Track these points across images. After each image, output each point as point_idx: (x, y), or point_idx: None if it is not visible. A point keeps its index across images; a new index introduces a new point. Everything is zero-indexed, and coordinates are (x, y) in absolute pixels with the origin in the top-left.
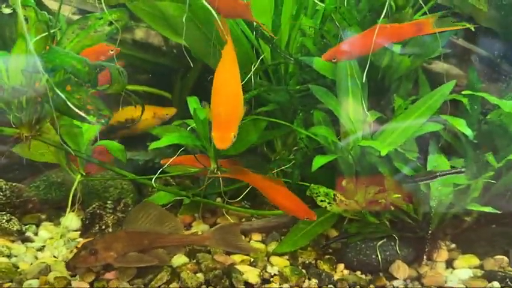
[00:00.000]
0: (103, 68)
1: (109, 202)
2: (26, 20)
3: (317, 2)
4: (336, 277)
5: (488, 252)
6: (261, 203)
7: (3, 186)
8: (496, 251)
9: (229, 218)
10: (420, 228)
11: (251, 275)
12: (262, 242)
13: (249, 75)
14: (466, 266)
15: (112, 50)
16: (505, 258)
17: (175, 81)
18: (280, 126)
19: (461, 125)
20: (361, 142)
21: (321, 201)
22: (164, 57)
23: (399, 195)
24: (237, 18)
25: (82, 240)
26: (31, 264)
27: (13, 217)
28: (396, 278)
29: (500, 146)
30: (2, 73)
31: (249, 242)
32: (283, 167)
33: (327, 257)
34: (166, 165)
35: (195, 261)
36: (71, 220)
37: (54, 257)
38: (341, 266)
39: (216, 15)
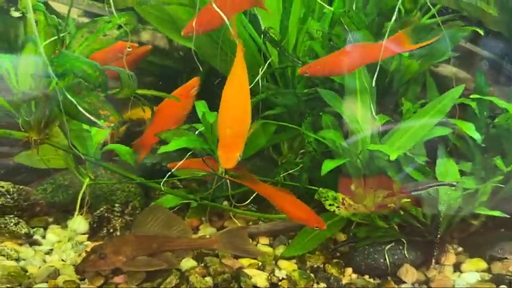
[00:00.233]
0: None
1: (116, 205)
2: (36, 23)
3: (325, 6)
4: (344, 281)
5: (495, 256)
6: (267, 207)
7: (11, 189)
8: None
9: (236, 221)
10: (428, 232)
11: (259, 279)
12: (270, 245)
13: (257, 79)
14: (473, 270)
15: (129, 47)
16: None
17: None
18: (288, 130)
19: (469, 129)
20: (370, 146)
21: (330, 205)
22: (171, 59)
23: (409, 200)
24: (250, 7)
25: (89, 244)
26: (39, 267)
27: (21, 220)
28: (404, 282)
29: (508, 149)
30: (11, 77)
31: (256, 245)
32: (291, 171)
33: (335, 261)
34: (174, 169)
35: (203, 264)
36: (79, 223)
37: (63, 260)
38: (349, 270)
39: (226, 19)
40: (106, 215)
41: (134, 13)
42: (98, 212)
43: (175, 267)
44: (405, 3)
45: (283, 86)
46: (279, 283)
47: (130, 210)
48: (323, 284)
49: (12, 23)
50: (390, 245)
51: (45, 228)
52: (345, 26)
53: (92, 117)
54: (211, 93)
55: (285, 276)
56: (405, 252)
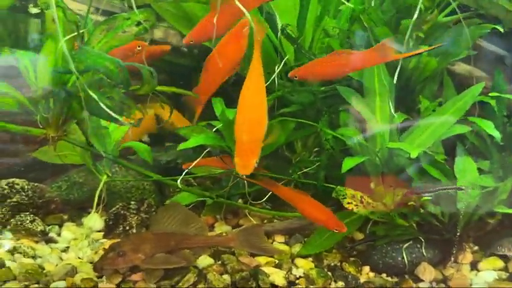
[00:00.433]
0: None
1: (132, 203)
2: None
3: (346, 3)
4: (362, 280)
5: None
6: (282, 205)
7: (26, 187)
8: None
9: (251, 219)
10: (446, 231)
11: (277, 277)
12: (286, 243)
13: (273, 77)
14: (490, 268)
15: (139, 46)
16: None
17: (195, 81)
18: (303, 127)
19: (489, 127)
20: (389, 144)
21: (348, 203)
22: (185, 57)
23: (429, 198)
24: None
25: (105, 241)
26: (56, 265)
27: (36, 217)
28: (422, 280)
29: None
30: (29, 73)
31: (272, 243)
32: (307, 169)
33: (352, 259)
34: (191, 167)
35: (220, 262)
36: (94, 221)
37: (79, 258)
38: (366, 268)
39: (247, 14)
40: (122, 212)
41: (152, 10)
42: (114, 209)
43: (192, 264)
44: (424, 1)
45: (299, 84)
46: (297, 281)
47: (145, 207)
48: (340, 283)
49: (22, 19)
50: (408, 243)
51: (60, 226)
52: (365, 24)
53: (113, 114)
54: (224, 90)
55: (302, 275)
56: (423, 250)
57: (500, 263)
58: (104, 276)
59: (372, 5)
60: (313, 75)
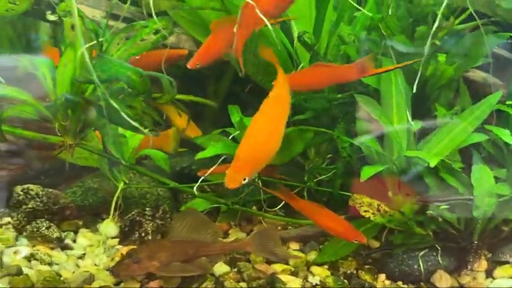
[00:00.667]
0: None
1: (147, 209)
2: (72, 27)
3: (364, 11)
4: (378, 287)
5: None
6: (295, 211)
7: (40, 193)
8: None
9: (266, 226)
10: (462, 238)
11: (294, 284)
12: (301, 251)
13: None
14: (506, 276)
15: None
16: None
17: (208, 87)
18: (317, 134)
19: (506, 136)
20: (407, 152)
21: (365, 211)
22: None
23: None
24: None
25: (121, 248)
26: (73, 272)
27: (52, 224)
28: None
29: None
30: (47, 81)
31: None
32: (323, 176)
33: (367, 267)
34: (207, 174)
35: (236, 270)
36: (109, 227)
37: (95, 265)
38: (382, 276)
39: (269, 24)
40: (137, 218)
41: (169, 18)
42: (129, 215)
43: (208, 272)
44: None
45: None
46: None
47: (160, 214)
48: None
49: (32, 24)
50: (424, 251)
51: (75, 232)
52: (382, 31)
53: (135, 124)
54: (238, 96)
55: (318, 283)
56: (439, 258)
57: None
58: (122, 283)
59: (390, 13)
60: (296, 86)
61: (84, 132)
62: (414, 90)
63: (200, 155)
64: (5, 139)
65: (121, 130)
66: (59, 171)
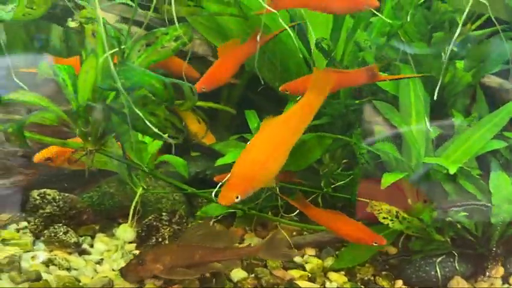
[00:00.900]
0: None
1: (164, 214)
2: (93, 34)
3: (384, 19)
4: None
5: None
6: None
7: (57, 197)
8: None
9: (282, 231)
10: (479, 245)
11: None
12: (317, 256)
13: None
14: None
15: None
16: None
17: (222, 92)
18: (334, 140)
19: None
20: (426, 159)
21: (384, 218)
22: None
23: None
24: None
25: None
26: (92, 278)
27: (69, 229)
28: None
29: None
30: (68, 87)
31: (303, 256)
32: (340, 183)
33: (384, 273)
34: (224, 180)
35: (253, 275)
36: (126, 232)
37: (113, 270)
38: (399, 282)
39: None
40: (154, 223)
41: (188, 24)
42: (146, 220)
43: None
44: (460, 15)
45: (331, 96)
46: None
47: (177, 219)
48: None
49: (45, 27)
50: (442, 257)
51: (92, 237)
52: (402, 38)
53: (158, 131)
54: (252, 101)
55: None
56: (456, 264)
57: None
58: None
59: (408, 19)
60: (305, 89)
61: (104, 138)
62: (435, 97)
63: (220, 162)
64: (27, 146)
65: (140, 136)
66: (73, 176)
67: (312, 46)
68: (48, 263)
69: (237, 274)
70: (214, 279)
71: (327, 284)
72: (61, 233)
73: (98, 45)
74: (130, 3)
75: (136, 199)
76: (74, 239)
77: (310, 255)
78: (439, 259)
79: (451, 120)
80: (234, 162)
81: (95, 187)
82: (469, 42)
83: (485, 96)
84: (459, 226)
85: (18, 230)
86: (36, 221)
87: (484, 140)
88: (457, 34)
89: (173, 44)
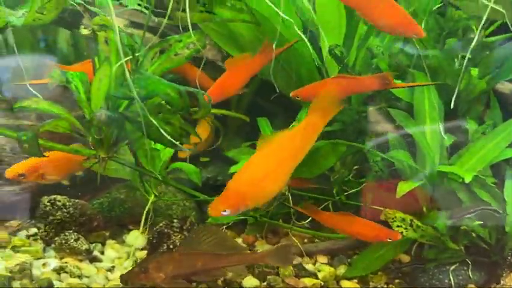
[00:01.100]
0: None
1: (175, 221)
2: (106, 41)
3: None
4: None
5: None
6: (320, 224)
7: (67, 203)
8: None
9: (293, 238)
10: (493, 253)
11: None
12: (329, 264)
13: None
14: None
15: None
16: None
17: (231, 98)
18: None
19: None
20: (441, 167)
21: (398, 226)
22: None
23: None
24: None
25: None
26: (104, 285)
27: (80, 236)
28: None
29: None
30: (81, 95)
31: (314, 263)
32: (354, 190)
33: (397, 281)
34: None
35: (265, 283)
36: (137, 239)
37: None
38: None
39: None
40: (165, 230)
41: (202, 31)
42: (157, 227)
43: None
44: (473, 22)
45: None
46: None
47: (188, 225)
48: None
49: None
50: (455, 265)
51: (103, 244)
52: (416, 45)
53: (173, 140)
54: (261, 107)
55: None
56: (470, 273)
57: None
58: None
59: (423, 26)
60: (316, 96)
61: (117, 146)
62: (452, 106)
63: (234, 169)
64: (41, 154)
65: (152, 143)
66: (81, 183)
67: (325, 53)
68: (59, 270)
69: (249, 282)
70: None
71: None
72: (72, 240)
73: (112, 53)
74: (143, 10)
75: (148, 206)
76: (85, 246)
77: (322, 263)
78: (453, 267)
79: (462, 126)
80: None
81: (105, 193)
82: (483, 49)
83: (498, 102)
84: (474, 235)
85: (28, 237)
86: (46, 227)
87: (499, 148)
88: (474, 41)
89: (186, 51)
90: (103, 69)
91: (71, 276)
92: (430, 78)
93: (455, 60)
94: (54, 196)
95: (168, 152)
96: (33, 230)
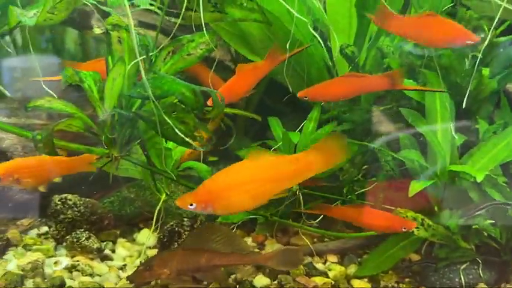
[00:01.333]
0: None
1: (185, 219)
2: (119, 41)
3: None
4: None
5: None
6: (330, 223)
7: (78, 202)
8: None
9: (304, 237)
10: (504, 252)
11: None
12: (339, 263)
13: None
14: None
15: None
16: None
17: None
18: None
19: None
20: (452, 166)
21: None
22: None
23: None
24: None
25: None
26: (116, 284)
27: (91, 234)
28: None
29: None
30: (94, 94)
31: (324, 263)
32: (364, 190)
33: (408, 280)
34: None
35: (276, 282)
36: (148, 237)
37: None
38: None
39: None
40: (176, 229)
41: (213, 31)
42: (168, 226)
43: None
44: (485, 22)
45: (349, 102)
46: None
47: (198, 224)
48: None
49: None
50: (466, 264)
51: (114, 242)
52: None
53: (188, 139)
54: (269, 107)
55: None
56: (480, 272)
57: None
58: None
59: None
60: (324, 95)
61: (130, 145)
62: (464, 106)
63: None
64: (56, 153)
65: (164, 142)
66: (91, 182)
67: (335, 53)
68: (71, 268)
69: (260, 281)
70: (237, 286)
71: None
72: (83, 239)
73: (125, 53)
74: (156, 10)
75: (159, 205)
76: (96, 245)
77: (332, 262)
78: (463, 266)
79: (471, 125)
80: None
81: (116, 192)
82: (494, 49)
83: (508, 102)
84: (485, 234)
85: (39, 235)
86: (57, 226)
87: (510, 148)
88: (487, 42)
89: (198, 51)
90: (116, 69)
91: (83, 274)
92: (441, 78)
93: (466, 60)
94: (65, 195)
95: (180, 151)
96: (44, 229)
